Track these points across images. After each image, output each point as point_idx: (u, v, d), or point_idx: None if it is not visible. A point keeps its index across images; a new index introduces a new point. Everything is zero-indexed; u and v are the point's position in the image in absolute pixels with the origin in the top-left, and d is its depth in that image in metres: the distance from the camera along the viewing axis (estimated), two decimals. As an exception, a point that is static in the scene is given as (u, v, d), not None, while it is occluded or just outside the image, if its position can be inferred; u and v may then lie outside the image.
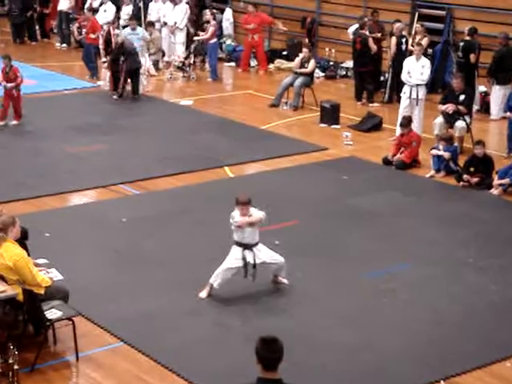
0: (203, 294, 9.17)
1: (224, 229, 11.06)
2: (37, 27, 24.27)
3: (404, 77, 15.32)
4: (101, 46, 18.96)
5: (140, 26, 20.06)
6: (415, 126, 14.68)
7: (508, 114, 14.54)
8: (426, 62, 15.32)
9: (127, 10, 22.47)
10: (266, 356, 5.11)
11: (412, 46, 16.82)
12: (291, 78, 17.56)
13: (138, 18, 21.79)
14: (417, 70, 15.16)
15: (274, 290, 9.39)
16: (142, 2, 21.96)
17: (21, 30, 23.88)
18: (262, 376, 5.14)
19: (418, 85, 15.12)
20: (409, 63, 15.35)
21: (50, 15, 24.35)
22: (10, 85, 15.37)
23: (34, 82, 19.16)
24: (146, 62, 19.29)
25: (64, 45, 23.34)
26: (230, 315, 8.88)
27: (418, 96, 15.09)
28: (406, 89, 15.30)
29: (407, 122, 13.88)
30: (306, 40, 20.77)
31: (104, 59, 18.88)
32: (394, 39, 17.49)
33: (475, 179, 12.74)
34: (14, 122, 15.67)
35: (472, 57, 16.51)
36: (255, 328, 8.24)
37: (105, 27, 19.25)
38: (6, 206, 10.26)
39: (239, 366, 7.49)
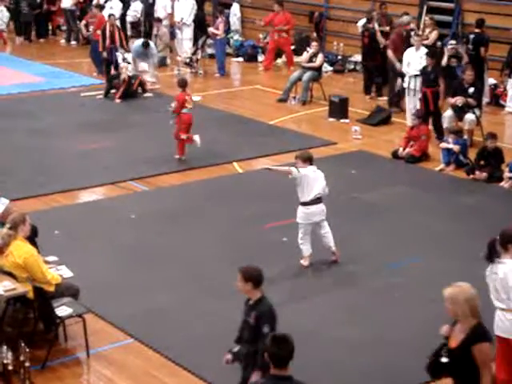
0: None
1: (234, 224, 11.08)
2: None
3: (404, 68, 15.45)
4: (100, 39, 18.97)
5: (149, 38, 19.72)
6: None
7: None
8: (424, 53, 15.31)
9: (135, 7, 22.44)
10: (276, 354, 5.11)
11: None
12: (299, 73, 17.52)
13: (148, 14, 21.81)
14: (416, 60, 15.17)
15: (284, 286, 9.38)
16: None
17: (29, 28, 23.89)
18: (273, 373, 5.14)
19: (416, 75, 15.11)
20: (408, 54, 15.42)
21: (56, 13, 24.38)
22: None
23: (41, 79, 19.20)
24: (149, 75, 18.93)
25: (72, 42, 23.34)
26: (240, 311, 8.86)
27: (415, 87, 15.09)
28: (406, 79, 15.35)
29: (421, 113, 13.89)
30: (314, 34, 20.69)
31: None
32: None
33: (484, 174, 12.68)
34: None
35: (483, 50, 16.39)
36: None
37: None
38: (16, 203, 10.26)
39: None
